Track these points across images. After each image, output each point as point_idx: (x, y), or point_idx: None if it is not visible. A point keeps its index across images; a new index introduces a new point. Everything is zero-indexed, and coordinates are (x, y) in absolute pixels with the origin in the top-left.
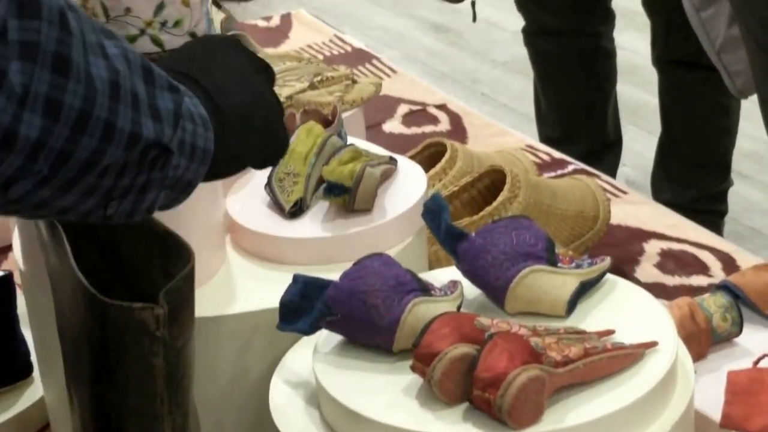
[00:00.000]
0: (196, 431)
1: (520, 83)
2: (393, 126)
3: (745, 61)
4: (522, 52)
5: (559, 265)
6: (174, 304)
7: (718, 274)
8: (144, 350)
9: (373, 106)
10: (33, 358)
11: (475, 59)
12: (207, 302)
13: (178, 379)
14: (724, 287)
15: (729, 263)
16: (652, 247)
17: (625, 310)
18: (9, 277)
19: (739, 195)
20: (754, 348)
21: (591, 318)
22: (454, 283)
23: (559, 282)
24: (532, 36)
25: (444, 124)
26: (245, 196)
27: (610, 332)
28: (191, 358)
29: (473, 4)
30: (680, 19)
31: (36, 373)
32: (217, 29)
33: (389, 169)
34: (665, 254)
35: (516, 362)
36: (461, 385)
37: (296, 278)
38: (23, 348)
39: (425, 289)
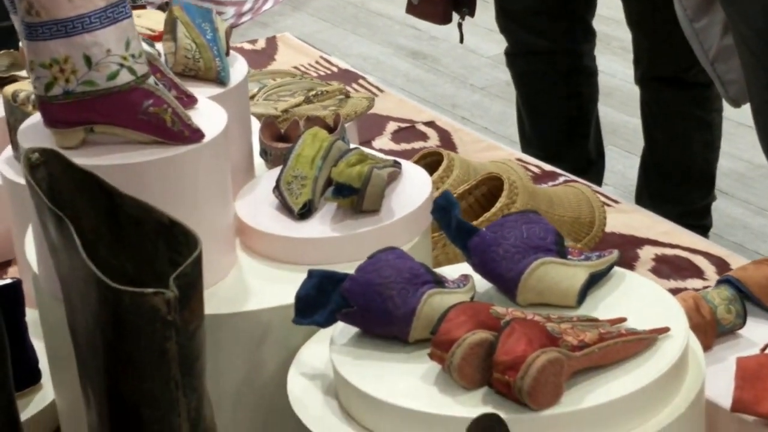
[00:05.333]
0: (210, 415)
1: (500, 107)
2: (383, 143)
3: (739, 70)
4: (500, 77)
5: (569, 257)
6: (184, 288)
7: (712, 277)
8: (157, 335)
9: (362, 123)
10: (42, 365)
11: (453, 84)
12: (220, 301)
13: (191, 363)
14: (727, 281)
15: (723, 267)
16: (647, 253)
17: (634, 300)
18: (18, 284)
19: (720, 211)
20: (758, 339)
21: (602, 308)
22: (466, 277)
23: (570, 273)
24: (514, 57)
25: (433, 140)
26: (254, 199)
27: (622, 320)
28: (203, 341)
29: (460, 26)
30: (665, 36)
31: (45, 379)
32: (222, 38)
33: (395, 172)
34: (660, 260)
35: (534, 346)
36: (480, 370)
37: (311, 273)
38: (32, 355)
39: (439, 281)
